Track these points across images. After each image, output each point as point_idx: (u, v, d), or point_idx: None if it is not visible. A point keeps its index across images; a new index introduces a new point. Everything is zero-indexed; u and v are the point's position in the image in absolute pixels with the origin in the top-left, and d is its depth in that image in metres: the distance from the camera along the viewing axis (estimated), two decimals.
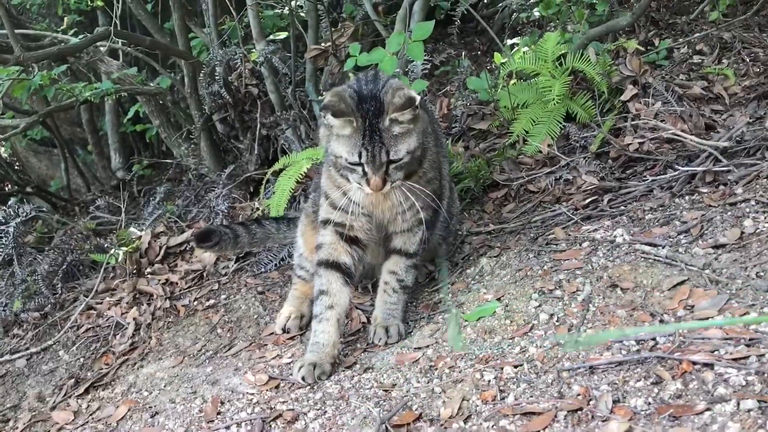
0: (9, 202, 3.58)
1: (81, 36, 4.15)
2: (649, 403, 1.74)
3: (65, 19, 5.01)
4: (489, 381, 2.05)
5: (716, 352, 1.83)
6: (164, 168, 5.33)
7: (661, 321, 2.07)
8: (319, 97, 3.98)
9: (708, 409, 1.64)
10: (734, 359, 1.78)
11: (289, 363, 2.56)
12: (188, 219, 3.99)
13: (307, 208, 2.96)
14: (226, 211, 3.66)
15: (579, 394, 1.85)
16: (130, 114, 5.25)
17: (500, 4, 5.17)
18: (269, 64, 4.00)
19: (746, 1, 4.37)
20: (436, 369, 2.22)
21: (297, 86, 4.14)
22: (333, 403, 2.20)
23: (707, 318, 2.01)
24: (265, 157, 4.24)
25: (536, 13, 4.39)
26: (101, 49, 4.45)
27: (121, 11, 4.74)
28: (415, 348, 2.41)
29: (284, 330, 2.84)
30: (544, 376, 2.00)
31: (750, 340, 1.84)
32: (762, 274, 2.14)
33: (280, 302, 3.07)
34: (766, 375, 1.69)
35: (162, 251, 3.54)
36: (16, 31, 3.52)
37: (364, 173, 2.33)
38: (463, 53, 4.44)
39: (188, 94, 4.26)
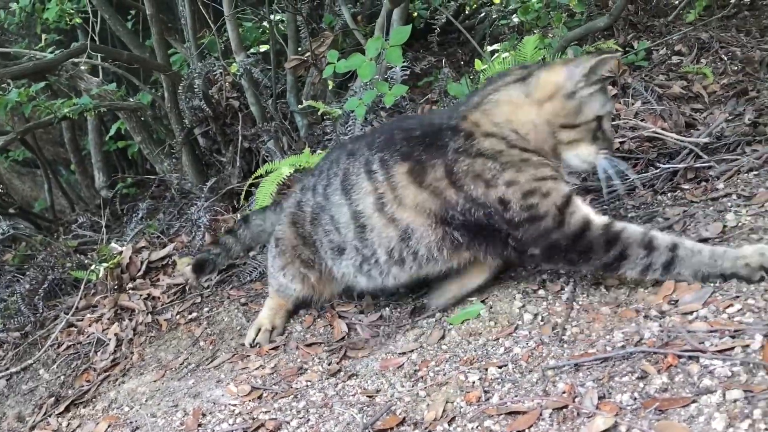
0: None
1: (58, 51, 4.12)
2: (635, 398, 1.70)
3: (43, 37, 4.98)
4: (473, 382, 2.01)
5: (702, 345, 1.81)
6: (148, 186, 5.29)
7: (646, 317, 2.05)
8: (299, 107, 3.97)
9: (694, 401, 1.61)
10: (719, 351, 1.75)
11: (273, 373, 2.51)
12: (170, 233, 3.95)
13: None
14: (207, 224, 3.62)
15: (564, 392, 1.81)
16: (112, 131, 5.22)
17: (480, 15, 5.20)
18: (249, 76, 3.97)
19: (723, 4, 4.41)
20: (421, 373, 2.19)
21: (278, 98, 4.13)
22: (316, 411, 2.16)
23: (692, 312, 1.98)
24: (248, 170, 4.20)
25: (515, 19, 4.40)
26: (82, 67, 4.43)
27: (102, 31, 4.74)
28: (400, 353, 2.37)
29: (253, 345, 2.74)
30: (528, 375, 1.96)
31: (735, 331, 1.81)
32: None
33: None
34: (751, 365, 1.66)
35: (144, 266, 3.49)
36: None
37: None
38: (444, 61, 4.43)
39: (168, 109, 4.23)
